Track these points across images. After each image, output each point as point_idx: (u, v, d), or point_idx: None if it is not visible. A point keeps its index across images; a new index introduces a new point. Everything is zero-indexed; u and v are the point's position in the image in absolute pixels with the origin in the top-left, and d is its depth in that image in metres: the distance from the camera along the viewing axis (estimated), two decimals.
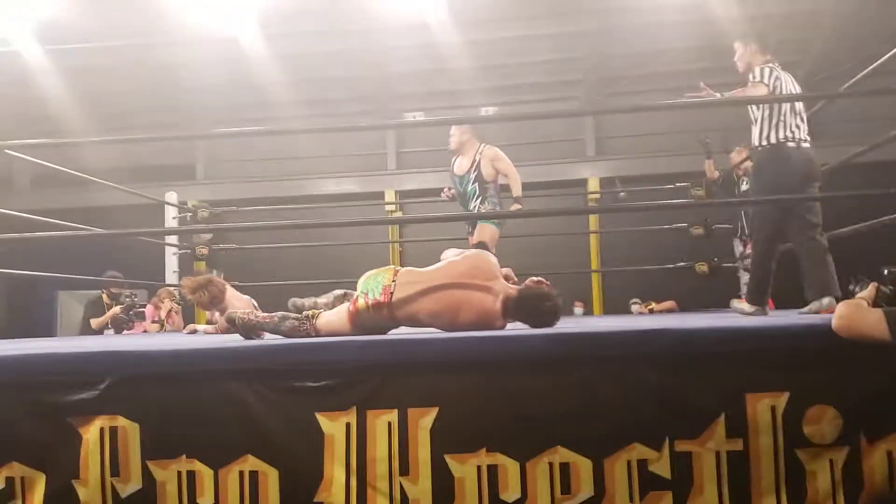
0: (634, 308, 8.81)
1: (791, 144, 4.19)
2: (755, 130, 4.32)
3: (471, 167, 5.88)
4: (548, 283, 3.07)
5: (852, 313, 2.12)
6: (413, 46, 10.23)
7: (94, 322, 7.42)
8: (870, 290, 2.26)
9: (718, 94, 4.47)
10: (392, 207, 10.83)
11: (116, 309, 7.33)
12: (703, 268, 7.33)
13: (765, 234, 4.35)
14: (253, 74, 10.32)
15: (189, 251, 7.63)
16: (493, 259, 3.15)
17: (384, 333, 2.94)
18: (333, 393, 2.26)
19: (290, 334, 2.93)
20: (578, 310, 9.97)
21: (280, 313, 3.07)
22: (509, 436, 2.22)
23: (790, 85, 4.36)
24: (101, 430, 2.25)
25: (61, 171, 5.27)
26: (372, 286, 2.97)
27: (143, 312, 7.49)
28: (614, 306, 9.95)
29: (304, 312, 3.10)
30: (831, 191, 4.38)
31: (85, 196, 10.77)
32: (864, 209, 4.90)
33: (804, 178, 4.18)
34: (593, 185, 10.85)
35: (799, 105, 4.29)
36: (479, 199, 5.82)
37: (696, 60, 10.57)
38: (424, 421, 2.22)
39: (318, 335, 2.94)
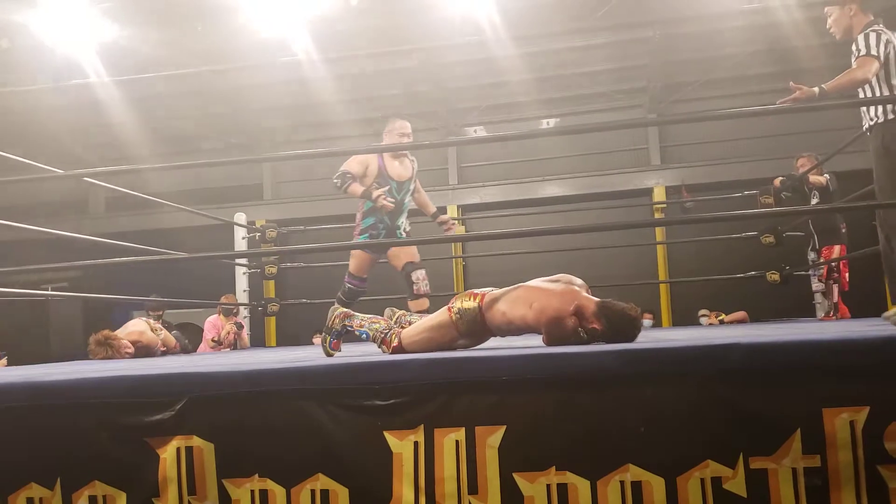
0: (703, 319, 8.66)
1: None
2: (876, 107, 3.57)
3: (412, 175, 5.11)
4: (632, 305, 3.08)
5: None
6: (471, 62, 10.30)
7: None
8: None
9: (816, 89, 3.67)
10: (455, 222, 10.89)
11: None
12: (774, 277, 7.14)
13: None
14: (314, 95, 10.54)
15: (258, 270, 7.79)
16: (580, 280, 3.25)
17: (474, 342, 3.21)
18: (401, 411, 2.27)
19: (374, 338, 3.25)
20: (647, 321, 9.83)
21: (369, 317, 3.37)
22: (579, 454, 2.19)
23: None
24: (178, 449, 2.31)
25: (134, 195, 5.45)
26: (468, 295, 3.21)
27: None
28: (683, 317, 9.80)
29: (392, 323, 3.32)
30: None
31: (157, 218, 11.13)
32: None
33: None
34: (659, 194, 10.72)
35: None
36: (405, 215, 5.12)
37: (759, 65, 10.40)
38: (492, 439, 2.22)
39: (397, 346, 3.18)
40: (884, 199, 3.68)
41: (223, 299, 7.62)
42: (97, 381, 2.48)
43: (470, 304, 3.14)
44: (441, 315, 3.20)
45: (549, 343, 2.99)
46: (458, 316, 3.14)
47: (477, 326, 3.16)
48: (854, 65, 3.55)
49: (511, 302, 3.07)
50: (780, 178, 7.00)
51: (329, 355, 3.30)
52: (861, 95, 3.72)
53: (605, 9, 9.31)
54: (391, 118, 5.12)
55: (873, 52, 3.52)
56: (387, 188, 4.85)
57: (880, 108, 3.56)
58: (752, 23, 9.41)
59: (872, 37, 3.55)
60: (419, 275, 4.89)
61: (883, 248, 3.75)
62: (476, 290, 3.21)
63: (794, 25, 8.95)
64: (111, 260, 3.77)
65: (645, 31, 9.81)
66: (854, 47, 3.62)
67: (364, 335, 3.32)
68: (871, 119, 3.62)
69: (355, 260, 5.04)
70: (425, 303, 4.86)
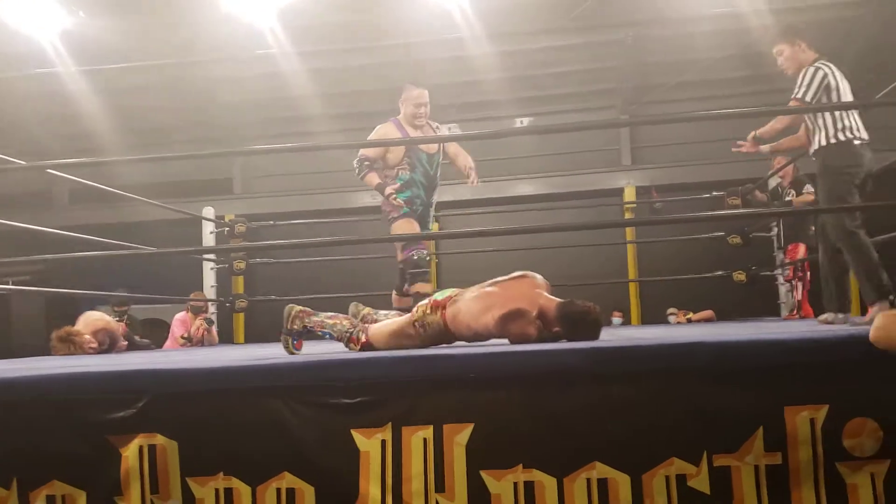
0: (671, 318, 8.74)
1: (857, 142, 3.88)
2: (819, 135, 3.95)
3: (439, 147, 4.70)
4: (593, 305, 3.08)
5: (889, 325, 2.08)
6: (446, 59, 10.28)
7: None
8: None
9: (765, 148, 4.32)
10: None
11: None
12: (740, 276, 7.25)
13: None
14: (287, 89, 10.45)
15: (227, 266, 7.72)
16: (541, 278, 3.23)
17: (442, 344, 3.15)
18: (368, 409, 2.26)
19: (340, 337, 3.20)
20: (617, 319, 9.91)
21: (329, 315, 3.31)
22: (546, 451, 2.20)
23: (844, 82, 4.03)
24: (141, 447, 2.28)
25: (99, 187, 5.36)
26: (440, 294, 3.19)
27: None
28: (652, 315, 9.87)
29: (357, 321, 3.24)
30: (875, 198, 4.21)
31: (123, 211, 10.98)
32: None
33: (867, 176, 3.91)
34: (629, 194, 10.79)
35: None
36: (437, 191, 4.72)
37: (730, 69, 10.50)
38: (460, 437, 2.22)
39: (366, 343, 3.15)
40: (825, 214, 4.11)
41: (192, 296, 7.54)
42: (57, 378, 2.45)
43: (433, 317, 3.11)
44: (406, 326, 3.16)
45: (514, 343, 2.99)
46: (422, 330, 3.12)
47: (443, 337, 3.15)
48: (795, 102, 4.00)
49: (473, 313, 3.03)
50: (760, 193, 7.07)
51: (292, 354, 3.26)
52: (810, 124, 4.08)
53: (578, 10, 9.35)
54: (407, 85, 4.72)
55: (813, 90, 3.92)
56: (397, 186, 4.55)
57: (822, 134, 3.93)
58: (723, 27, 9.51)
59: (819, 74, 3.94)
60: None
61: (821, 258, 4.19)
62: (438, 298, 3.17)
63: (764, 30, 9.05)
64: (76, 254, 3.71)
65: (618, 33, 9.86)
66: (799, 80, 4.00)
67: (327, 335, 3.28)
68: (815, 145, 3.99)
69: (403, 229, 4.59)
70: (409, 301, 4.60)
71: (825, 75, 3.94)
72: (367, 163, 4.52)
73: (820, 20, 9.35)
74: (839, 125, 3.88)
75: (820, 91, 3.93)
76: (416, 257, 4.45)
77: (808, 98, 3.92)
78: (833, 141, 3.89)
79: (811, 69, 3.97)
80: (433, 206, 4.68)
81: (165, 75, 10.47)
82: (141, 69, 10.00)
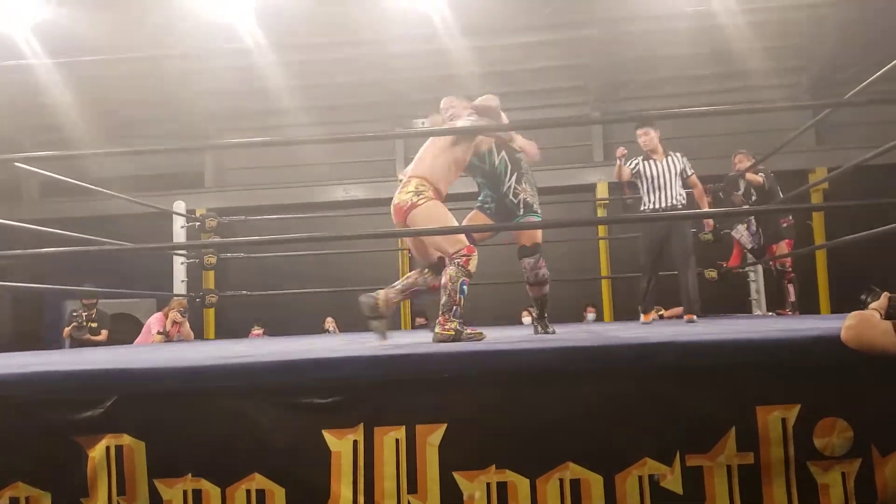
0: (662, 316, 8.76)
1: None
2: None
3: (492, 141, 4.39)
4: None
5: (860, 324, 2.09)
6: (420, 54, 10.26)
7: (63, 333, 7.84)
8: (882, 301, 2.23)
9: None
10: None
11: (74, 325, 7.71)
12: (711, 274, 7.30)
13: None
14: (261, 82, 10.37)
15: (197, 260, 7.63)
16: None
17: None
18: (340, 409, 2.24)
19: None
20: (590, 315, 9.96)
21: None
22: (518, 452, 2.20)
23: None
24: (108, 448, 2.24)
25: (68, 181, 5.27)
26: None
27: (96, 328, 7.72)
28: (625, 311, 9.92)
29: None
30: (840, 196, 4.29)
31: (94, 205, 10.84)
32: (873, 216, 4.84)
33: None
34: (602, 190, 10.84)
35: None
36: (515, 176, 4.38)
37: (701, 66, 10.58)
38: (433, 437, 2.20)
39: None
40: (684, 256, 5.66)
41: (174, 302, 7.43)
42: (22, 376, 2.38)
43: None
44: None
45: None
46: None
47: None
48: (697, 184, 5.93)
49: None
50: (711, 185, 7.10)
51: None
52: (646, 198, 5.83)
53: (551, 6, 9.37)
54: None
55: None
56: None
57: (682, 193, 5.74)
58: (694, 25, 9.59)
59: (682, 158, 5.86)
60: (526, 263, 4.37)
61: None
62: None
63: (735, 28, 9.15)
64: (42, 250, 3.64)
65: (590, 29, 9.90)
66: (684, 163, 5.84)
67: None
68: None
69: (471, 220, 4.47)
70: (540, 289, 4.45)
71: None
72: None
73: (790, 19, 9.46)
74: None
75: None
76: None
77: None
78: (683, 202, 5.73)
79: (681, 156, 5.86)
80: (509, 195, 4.36)
81: (138, 67, 10.35)
82: (113, 62, 9.86)
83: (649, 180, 5.80)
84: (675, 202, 5.69)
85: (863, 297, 2.70)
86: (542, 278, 4.40)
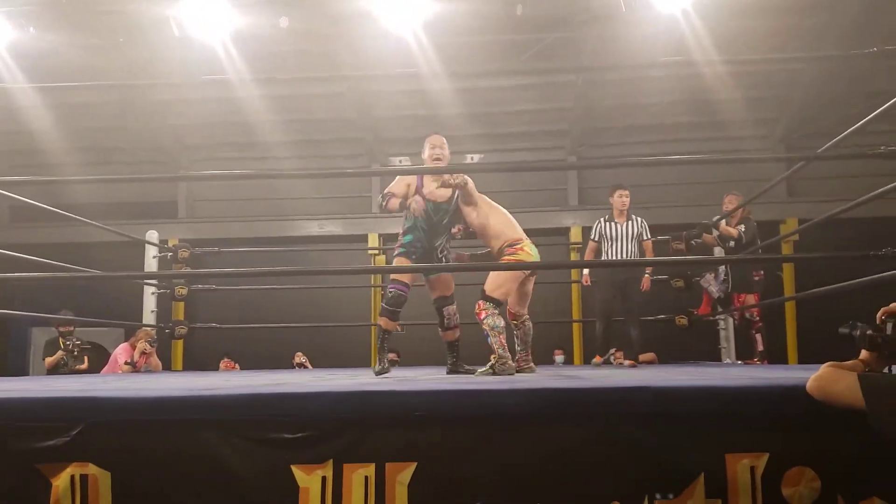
0: (613, 359, 8.77)
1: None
2: None
3: (452, 195, 4.77)
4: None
5: (825, 376, 2.10)
6: (402, 92, 10.34)
7: (46, 362, 7.55)
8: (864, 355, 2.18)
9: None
10: (375, 251, 10.80)
11: (60, 353, 7.43)
12: (682, 321, 7.36)
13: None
14: (239, 114, 10.37)
15: (168, 291, 7.55)
16: None
17: None
18: (310, 445, 2.22)
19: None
20: (559, 357, 9.96)
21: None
22: (488, 492, 2.18)
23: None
24: (72, 477, 2.19)
25: (39, 206, 5.20)
26: None
27: (83, 357, 7.54)
28: (595, 355, 9.93)
29: None
30: (810, 248, 4.37)
31: (66, 231, 10.72)
32: (842, 267, 4.91)
33: None
34: (576, 234, 10.92)
35: None
36: (446, 235, 4.81)
37: (678, 115, 10.77)
38: (402, 476, 2.19)
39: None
40: (636, 305, 6.58)
41: (140, 332, 7.34)
42: None
43: None
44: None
45: None
46: None
47: None
48: (650, 249, 6.71)
49: None
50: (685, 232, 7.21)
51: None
52: (605, 256, 6.59)
53: (532, 51, 9.52)
54: (432, 134, 4.98)
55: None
56: (404, 228, 4.71)
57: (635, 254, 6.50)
58: (673, 73, 9.79)
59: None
60: (450, 311, 4.78)
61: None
62: None
63: (713, 77, 9.35)
64: (11, 275, 3.59)
65: (569, 75, 10.06)
66: (643, 228, 6.62)
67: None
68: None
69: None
70: (456, 333, 4.81)
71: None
72: (390, 194, 4.66)
73: (765, 71, 9.68)
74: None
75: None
76: (390, 294, 4.57)
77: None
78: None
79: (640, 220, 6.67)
80: (438, 249, 4.74)
81: (117, 95, 10.32)
82: (91, 88, 9.83)
83: (609, 241, 6.62)
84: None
85: (841, 329, 2.67)
86: (457, 322, 4.84)
